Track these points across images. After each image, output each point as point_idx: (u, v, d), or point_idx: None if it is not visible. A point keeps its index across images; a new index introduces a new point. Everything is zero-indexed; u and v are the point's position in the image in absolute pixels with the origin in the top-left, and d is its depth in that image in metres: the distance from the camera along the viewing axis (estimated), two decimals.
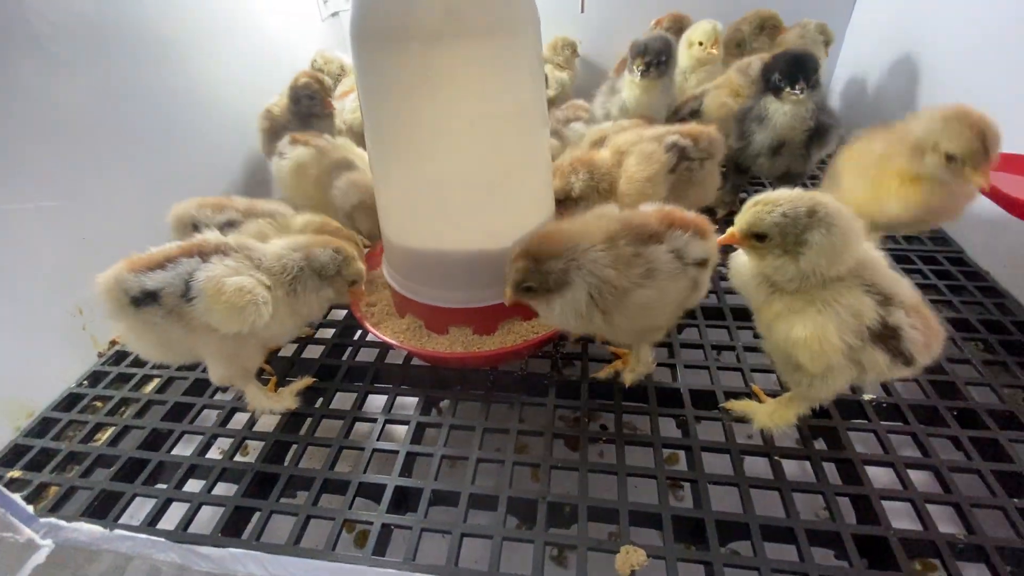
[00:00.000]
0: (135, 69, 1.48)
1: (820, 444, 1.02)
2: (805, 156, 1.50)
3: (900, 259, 1.51)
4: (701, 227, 0.94)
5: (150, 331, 0.93)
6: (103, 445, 1.12)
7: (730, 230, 0.88)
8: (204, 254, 0.92)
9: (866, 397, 1.07)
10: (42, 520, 0.96)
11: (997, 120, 1.01)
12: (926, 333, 0.81)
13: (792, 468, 0.98)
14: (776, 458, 0.98)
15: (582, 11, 1.95)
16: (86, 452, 1.10)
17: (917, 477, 0.94)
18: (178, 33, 1.63)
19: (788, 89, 1.40)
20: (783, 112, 1.44)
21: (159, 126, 1.56)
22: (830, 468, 0.97)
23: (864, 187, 1.17)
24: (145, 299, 0.88)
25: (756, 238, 0.84)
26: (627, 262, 0.89)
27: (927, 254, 1.54)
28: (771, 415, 0.99)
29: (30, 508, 0.97)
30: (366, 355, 1.29)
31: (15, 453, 1.12)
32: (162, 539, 0.91)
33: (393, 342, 1.15)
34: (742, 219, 0.86)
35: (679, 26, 2.07)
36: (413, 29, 0.84)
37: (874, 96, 2.07)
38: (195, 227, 1.17)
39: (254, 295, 0.90)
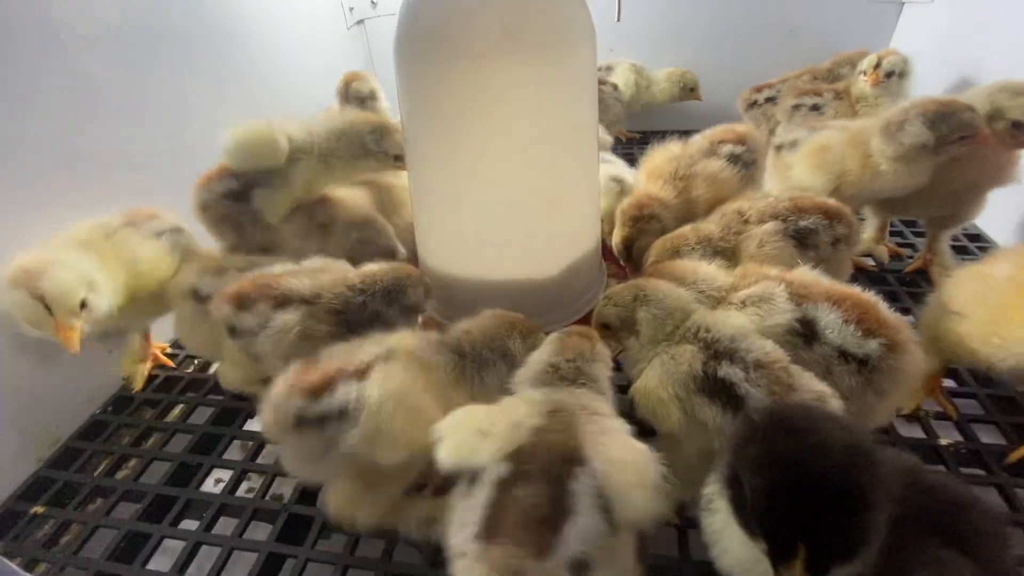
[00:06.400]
0: (152, 76, 1.43)
1: None
2: None
3: None
4: None
5: None
6: (129, 480, 1.07)
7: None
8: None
9: (943, 442, 0.99)
10: None
11: None
12: (779, 392, 0.71)
13: None
14: None
15: (618, 19, 1.89)
16: (111, 486, 1.06)
17: None
18: (198, 42, 1.58)
19: None
20: None
21: (173, 139, 1.47)
22: None
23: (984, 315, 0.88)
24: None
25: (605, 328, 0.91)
26: None
27: None
28: None
29: None
30: None
31: (39, 486, 1.08)
32: None
33: None
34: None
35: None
36: (466, 46, 0.78)
37: None
38: (196, 295, 1.08)
39: None
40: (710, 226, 1.10)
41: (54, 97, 1.17)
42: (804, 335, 0.80)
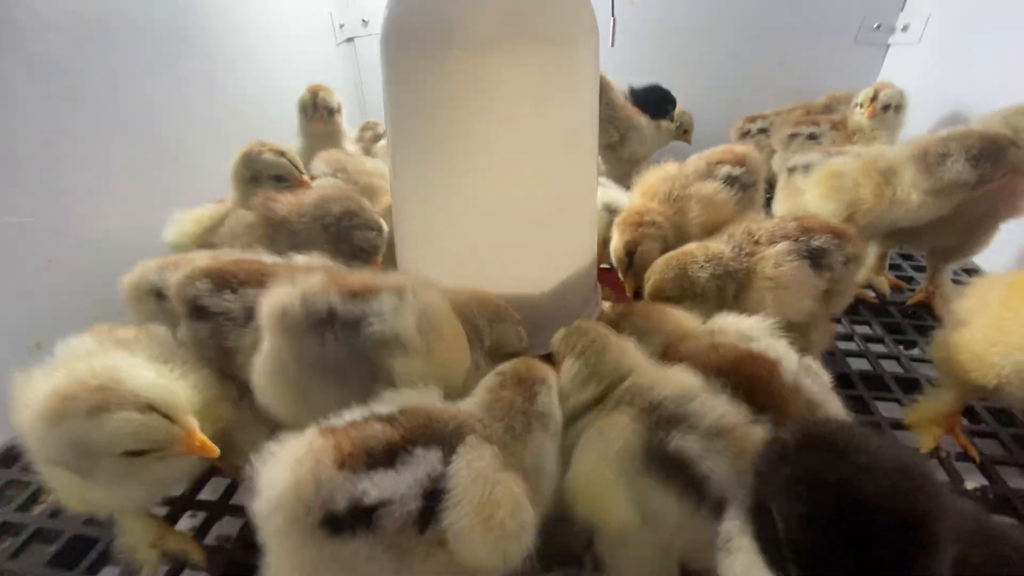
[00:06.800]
0: (133, 85, 1.35)
1: None
2: None
3: None
4: None
5: None
6: (43, 517, 0.91)
7: None
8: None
9: (968, 486, 0.91)
10: None
11: None
12: (744, 467, 0.56)
13: None
14: None
15: (612, 45, 1.88)
16: (22, 523, 0.90)
17: None
18: (189, 54, 1.52)
19: None
20: None
21: (155, 148, 1.41)
22: None
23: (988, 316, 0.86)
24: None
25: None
26: None
27: None
28: None
29: None
30: None
31: None
32: None
33: None
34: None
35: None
36: (462, 34, 0.71)
37: None
38: (158, 294, 0.93)
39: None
40: (720, 245, 1.01)
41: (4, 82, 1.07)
42: None
